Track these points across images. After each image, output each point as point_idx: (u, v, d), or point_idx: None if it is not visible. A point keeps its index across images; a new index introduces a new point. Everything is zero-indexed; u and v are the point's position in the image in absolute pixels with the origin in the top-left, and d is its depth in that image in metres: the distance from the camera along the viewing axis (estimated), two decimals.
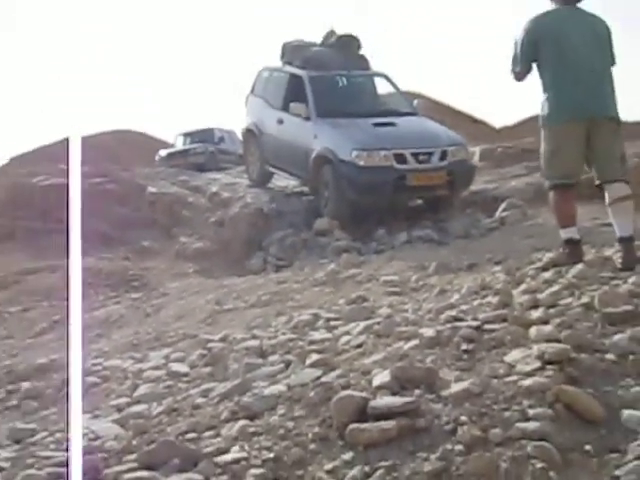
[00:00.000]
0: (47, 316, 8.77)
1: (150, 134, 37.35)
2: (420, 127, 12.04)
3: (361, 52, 13.49)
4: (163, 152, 24.93)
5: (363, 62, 13.40)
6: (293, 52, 13.20)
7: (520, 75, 6.12)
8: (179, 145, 25.46)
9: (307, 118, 11.90)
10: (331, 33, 13.40)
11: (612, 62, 6.09)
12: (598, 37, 6.02)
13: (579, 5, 6.05)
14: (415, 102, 13.23)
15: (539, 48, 5.91)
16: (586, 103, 5.82)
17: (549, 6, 6.08)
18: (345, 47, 13.23)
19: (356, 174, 10.73)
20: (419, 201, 12.01)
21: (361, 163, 10.74)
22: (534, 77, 6.13)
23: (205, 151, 23.38)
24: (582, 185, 6.34)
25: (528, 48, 5.95)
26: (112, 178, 14.35)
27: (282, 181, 13.81)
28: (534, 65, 6.01)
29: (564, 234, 6.02)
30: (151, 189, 14.00)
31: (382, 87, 13.62)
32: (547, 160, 6.00)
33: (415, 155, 10.89)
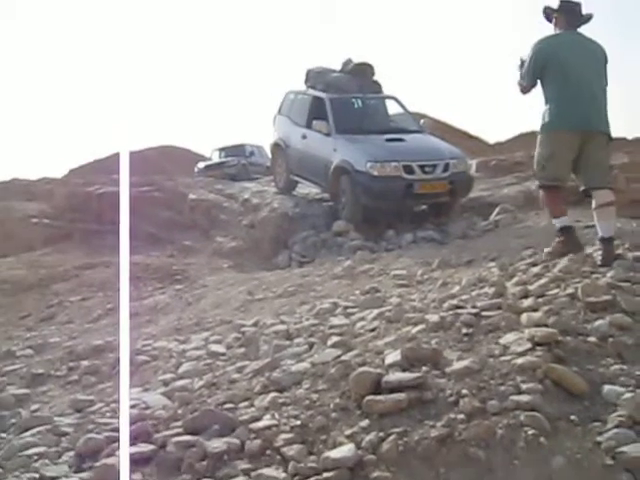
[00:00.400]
0: (102, 305, 8.80)
1: (189, 149, 37.45)
2: (426, 143, 12.08)
3: (375, 78, 13.52)
4: (201, 164, 24.97)
5: (376, 86, 13.44)
6: (316, 77, 13.29)
7: (526, 89, 6.12)
8: (215, 158, 25.44)
9: (327, 134, 11.96)
10: (349, 61, 13.44)
11: (606, 83, 6.06)
12: (597, 61, 6.02)
13: (580, 30, 6.05)
14: (422, 122, 13.26)
15: (545, 68, 5.89)
16: (584, 117, 5.80)
17: (551, 30, 6.08)
18: (360, 73, 13.29)
19: (370, 182, 10.78)
20: (423, 207, 12.04)
21: (374, 173, 10.78)
22: (524, 98, 6.14)
23: (238, 164, 23.37)
24: (567, 191, 6.34)
25: (535, 67, 5.93)
26: (158, 187, 14.38)
27: (305, 189, 13.82)
28: (538, 81, 6.00)
29: (558, 223, 6.00)
30: (192, 196, 14.01)
31: (392, 108, 13.63)
32: (541, 163, 5.96)
33: (421, 167, 10.93)
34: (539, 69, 5.94)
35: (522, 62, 6.15)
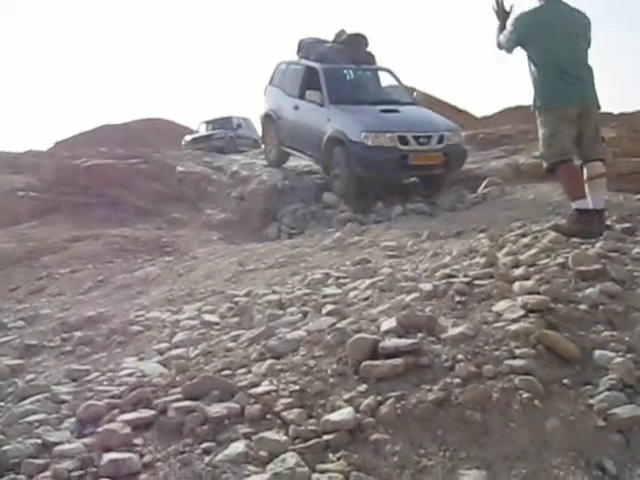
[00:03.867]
0: (93, 277, 8.81)
1: (175, 121, 37.15)
2: (420, 115, 12.01)
3: (368, 49, 13.41)
4: (188, 137, 24.86)
5: (370, 58, 13.34)
6: (308, 48, 13.18)
7: (503, 50, 6.02)
8: (202, 131, 25.32)
9: (321, 104, 11.85)
10: (342, 32, 13.34)
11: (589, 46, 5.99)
12: (583, 32, 5.93)
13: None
14: (415, 94, 13.18)
15: (530, 41, 5.79)
16: (579, 91, 5.74)
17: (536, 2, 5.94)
18: (354, 44, 13.18)
19: (364, 153, 10.69)
20: (413, 179, 11.98)
21: (369, 143, 10.68)
22: (509, 74, 6.07)
23: (225, 136, 23.28)
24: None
25: (514, 39, 5.85)
26: (145, 159, 14.33)
27: (293, 162, 13.81)
28: (526, 56, 5.85)
29: (578, 205, 5.65)
30: (180, 168, 13.98)
31: (385, 80, 13.55)
32: (547, 141, 5.77)
33: (416, 138, 10.85)
34: (518, 41, 5.84)
35: (500, 6, 6.10)
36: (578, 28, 5.91)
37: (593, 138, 5.89)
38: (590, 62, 5.92)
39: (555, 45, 5.73)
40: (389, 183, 11.50)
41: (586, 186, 5.81)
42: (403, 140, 10.75)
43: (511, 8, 6.14)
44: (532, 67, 5.85)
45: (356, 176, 10.96)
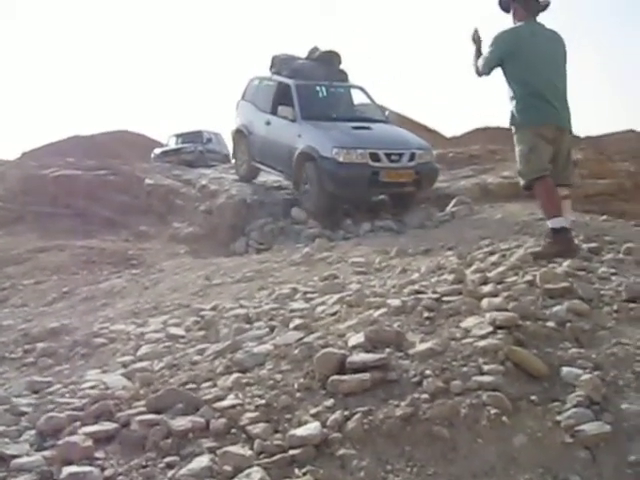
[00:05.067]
0: (57, 288, 8.69)
1: (145, 134, 36.97)
2: (392, 132, 12.02)
3: (341, 67, 13.44)
4: (158, 150, 24.73)
5: (342, 75, 13.35)
6: (281, 64, 13.13)
7: (482, 75, 6.05)
8: (172, 144, 25.22)
9: (293, 120, 11.82)
10: (315, 49, 13.33)
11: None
12: (560, 54, 5.99)
13: (538, 20, 5.98)
14: (387, 112, 13.16)
15: (509, 61, 5.82)
16: (557, 113, 5.78)
17: (510, 23, 6.00)
18: (327, 61, 13.18)
19: (335, 169, 10.61)
20: (382, 196, 11.96)
21: (340, 159, 10.61)
22: (479, 94, 6.11)
23: (195, 150, 23.21)
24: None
25: (495, 58, 5.87)
26: (114, 171, 14.27)
27: (263, 177, 13.78)
28: (503, 75, 5.91)
29: (555, 224, 5.66)
30: (148, 181, 13.91)
31: (357, 98, 13.53)
32: (525, 157, 5.76)
33: (388, 155, 10.81)
34: (499, 60, 5.87)
35: (476, 34, 6.15)
36: (560, 50, 5.99)
37: (565, 163, 5.95)
38: (566, 85, 5.99)
39: (538, 65, 5.77)
40: (359, 200, 11.50)
41: None
42: (375, 157, 10.71)
43: (478, 36, 6.20)
44: (512, 85, 5.88)
45: (326, 192, 10.90)
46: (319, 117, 11.80)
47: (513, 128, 5.92)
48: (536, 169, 5.71)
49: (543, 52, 5.84)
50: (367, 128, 11.69)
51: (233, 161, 15.18)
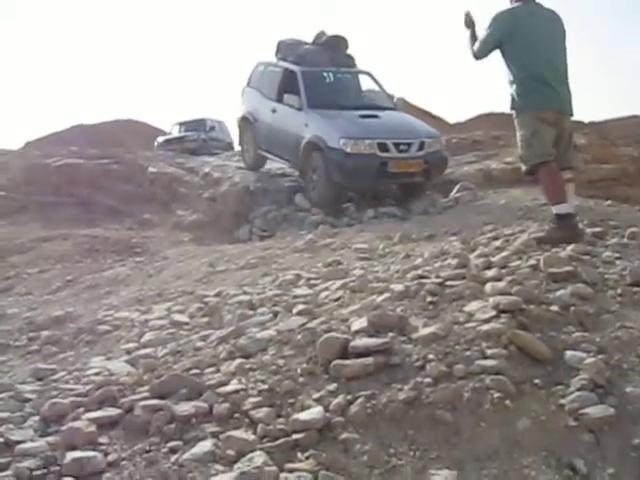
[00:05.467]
0: (61, 276, 8.67)
1: (148, 123, 36.92)
2: (401, 120, 11.75)
3: (348, 51, 13.16)
4: (161, 139, 24.72)
5: (349, 60, 13.06)
6: (287, 49, 12.90)
7: (480, 58, 5.96)
8: (175, 133, 25.18)
9: (299, 108, 11.61)
10: (322, 33, 13.06)
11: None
12: (560, 34, 5.91)
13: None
14: (395, 99, 12.81)
15: (508, 43, 5.73)
16: (559, 96, 5.71)
17: (507, 4, 5.90)
18: (334, 46, 12.91)
19: (343, 160, 10.43)
20: (393, 186, 11.77)
21: (348, 150, 10.42)
22: (483, 80, 6.00)
23: (198, 138, 23.21)
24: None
25: (493, 40, 5.78)
26: (117, 159, 14.24)
27: (267, 164, 13.72)
28: (501, 55, 5.83)
29: (559, 210, 5.62)
30: (152, 169, 13.88)
31: (365, 84, 13.25)
32: (527, 142, 5.68)
33: (396, 145, 10.58)
34: (497, 42, 5.78)
35: (468, 17, 6.06)
36: (559, 30, 5.91)
37: (566, 146, 5.88)
38: (567, 66, 5.91)
39: (538, 47, 5.69)
40: (367, 190, 11.37)
41: None
42: (383, 147, 10.51)
43: (471, 19, 6.11)
44: (512, 67, 5.79)
45: (334, 183, 10.74)
46: (326, 105, 11.56)
47: (514, 112, 5.85)
48: (539, 154, 5.64)
49: (542, 33, 5.75)
50: (375, 116, 11.43)
51: (239, 149, 15.00)
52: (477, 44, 5.93)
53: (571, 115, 5.93)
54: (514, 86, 5.77)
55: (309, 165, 11.20)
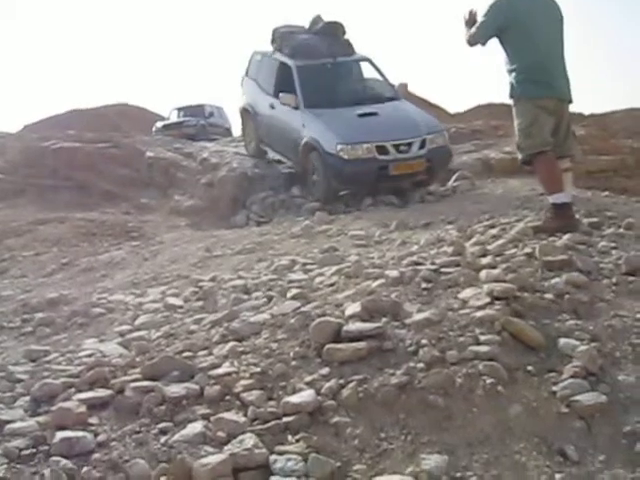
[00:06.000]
0: (57, 259, 8.65)
1: (146, 108, 36.74)
2: (401, 115, 11.19)
3: (346, 37, 12.57)
4: (159, 124, 24.52)
5: (348, 47, 12.45)
6: (282, 39, 12.35)
7: (476, 44, 5.86)
8: (173, 118, 25.02)
9: (296, 107, 11.20)
10: (318, 19, 12.55)
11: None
12: (558, 22, 5.84)
13: None
14: (397, 85, 12.38)
15: (507, 29, 5.64)
16: (558, 84, 5.66)
17: None
18: (331, 33, 12.34)
19: (341, 166, 10.08)
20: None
21: (345, 157, 10.07)
22: (483, 72, 5.89)
23: (197, 124, 23.02)
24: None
25: (493, 27, 5.70)
26: (115, 144, 14.17)
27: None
28: (499, 44, 5.75)
29: (556, 199, 5.58)
30: (149, 153, 13.82)
31: (366, 71, 12.77)
32: (525, 131, 5.61)
33: (396, 146, 10.18)
34: (496, 29, 5.70)
35: (472, 16, 5.91)
36: (558, 18, 5.84)
37: (565, 134, 5.83)
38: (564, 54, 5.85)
39: (537, 34, 5.62)
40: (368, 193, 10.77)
41: None
42: (382, 150, 10.13)
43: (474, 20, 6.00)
44: (511, 55, 5.72)
45: (334, 188, 10.48)
46: (323, 103, 11.08)
47: (513, 100, 5.81)
48: (538, 143, 5.59)
49: (541, 19, 5.68)
50: (374, 114, 10.93)
51: (238, 135, 14.75)
52: (474, 30, 5.83)
53: (570, 102, 5.88)
54: (513, 74, 5.70)
55: (309, 165, 10.87)
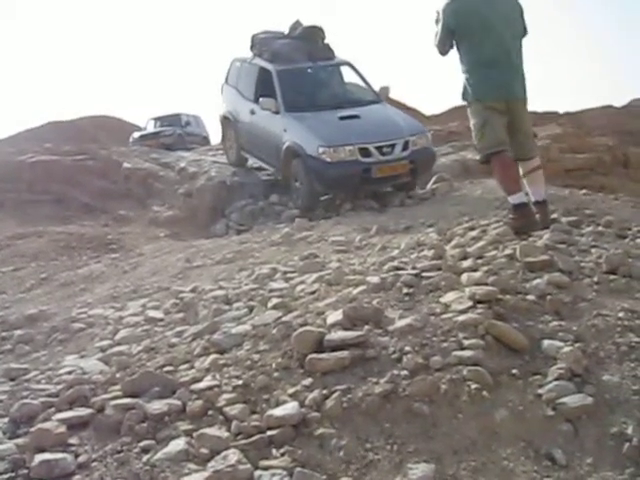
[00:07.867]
0: (35, 274, 8.52)
1: (123, 119, 36.53)
2: (383, 118, 11.11)
3: (326, 42, 12.52)
4: (136, 134, 24.39)
5: (328, 51, 12.40)
6: (262, 44, 12.32)
7: (443, 54, 5.77)
8: (150, 128, 24.93)
9: (276, 112, 11.10)
10: (297, 24, 12.52)
11: (524, 34, 5.80)
12: (513, 17, 5.72)
13: None
14: (380, 88, 12.10)
15: (459, 28, 5.57)
16: (506, 85, 5.57)
17: None
18: (310, 38, 12.28)
19: (323, 169, 9.96)
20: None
21: (328, 159, 9.92)
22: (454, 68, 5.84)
23: (174, 133, 22.97)
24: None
25: (446, 32, 5.61)
26: (91, 155, 14.05)
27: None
28: (455, 47, 5.68)
29: (514, 200, 5.56)
30: (127, 165, 13.72)
31: (346, 75, 12.68)
32: (479, 131, 5.60)
33: (379, 148, 10.08)
34: (449, 35, 5.62)
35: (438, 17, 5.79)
36: (509, 14, 5.72)
37: (525, 135, 5.76)
38: (521, 50, 5.77)
39: (485, 34, 5.53)
40: (355, 195, 10.83)
41: (524, 180, 5.76)
42: (365, 152, 10.02)
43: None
44: (463, 56, 5.68)
45: (317, 193, 10.39)
46: (304, 107, 11.03)
47: (466, 102, 5.78)
48: (491, 144, 5.56)
49: (493, 16, 5.57)
50: (356, 117, 10.84)
51: (216, 143, 14.67)
52: (435, 40, 5.78)
53: (524, 100, 5.80)
54: (465, 76, 5.67)
55: (290, 172, 10.75)
